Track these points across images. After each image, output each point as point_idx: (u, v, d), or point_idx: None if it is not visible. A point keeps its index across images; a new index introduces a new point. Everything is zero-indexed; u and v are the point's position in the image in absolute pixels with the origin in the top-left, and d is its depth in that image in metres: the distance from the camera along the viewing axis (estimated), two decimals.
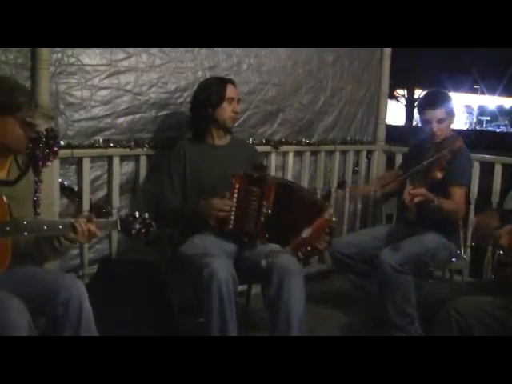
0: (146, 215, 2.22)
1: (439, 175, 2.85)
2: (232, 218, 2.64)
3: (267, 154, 3.63)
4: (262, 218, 2.63)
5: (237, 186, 2.65)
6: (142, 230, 2.20)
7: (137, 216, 2.20)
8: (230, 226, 2.64)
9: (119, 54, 2.96)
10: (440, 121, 3.00)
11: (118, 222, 2.18)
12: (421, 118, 3.11)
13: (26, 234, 2.04)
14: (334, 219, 2.70)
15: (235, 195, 2.65)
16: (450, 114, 3.05)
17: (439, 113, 2.99)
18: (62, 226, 2.08)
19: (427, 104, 3.05)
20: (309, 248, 2.63)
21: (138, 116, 3.08)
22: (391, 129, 5.46)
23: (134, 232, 2.19)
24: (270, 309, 2.59)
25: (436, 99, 3.06)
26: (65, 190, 2.87)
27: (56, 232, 2.08)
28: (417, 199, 2.68)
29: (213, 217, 2.63)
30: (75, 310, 2.05)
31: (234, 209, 2.64)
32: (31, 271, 2.20)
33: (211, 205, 2.63)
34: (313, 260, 4.04)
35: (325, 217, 2.65)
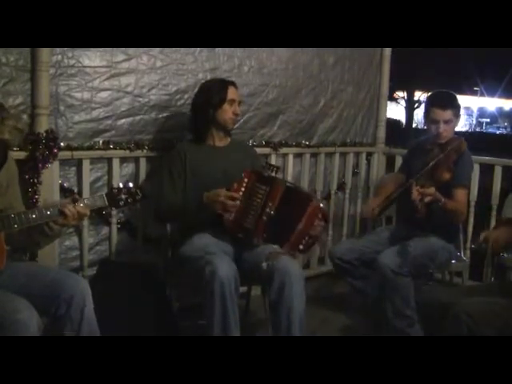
0: (131, 185, 2.25)
1: (447, 176, 2.86)
2: (234, 211, 2.63)
3: (267, 156, 3.63)
4: (265, 218, 2.64)
5: (245, 180, 2.66)
6: (129, 200, 2.22)
7: (121, 186, 2.22)
8: (231, 218, 2.64)
9: (119, 55, 2.96)
10: (447, 122, 3.02)
11: (104, 196, 2.18)
12: (427, 117, 3.11)
13: (15, 226, 2.04)
14: (321, 205, 2.75)
15: (242, 189, 2.65)
16: (457, 116, 3.09)
17: (447, 113, 3.02)
18: (49, 211, 2.07)
19: (437, 104, 3.06)
20: (306, 238, 2.67)
21: (138, 118, 3.08)
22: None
23: (121, 203, 2.21)
24: (271, 311, 2.59)
25: (446, 100, 3.09)
26: (65, 192, 2.86)
27: (45, 219, 2.07)
28: (427, 199, 2.68)
29: (217, 204, 2.62)
30: (78, 308, 2.05)
31: (238, 202, 2.63)
32: (35, 270, 2.20)
33: (216, 195, 2.62)
34: (313, 262, 4.05)
35: (313, 204, 2.68)
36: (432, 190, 2.74)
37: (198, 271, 2.51)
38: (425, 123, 3.23)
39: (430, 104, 3.11)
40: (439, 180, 2.86)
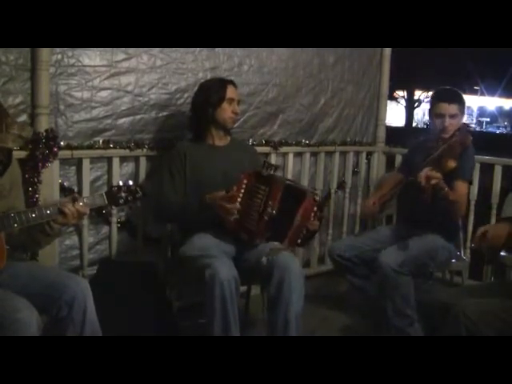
0: (130, 182, 2.25)
1: (453, 164, 2.85)
2: (235, 213, 2.64)
3: (267, 155, 3.62)
4: (266, 218, 2.65)
5: (245, 181, 2.66)
6: (129, 198, 2.22)
7: (121, 185, 2.22)
8: (232, 220, 2.64)
9: (119, 54, 2.96)
10: (452, 116, 3.03)
11: (104, 195, 2.18)
12: (432, 111, 3.12)
13: (15, 226, 2.03)
14: (316, 198, 2.74)
15: (242, 190, 2.65)
16: (462, 113, 3.11)
17: (453, 108, 3.03)
18: (49, 211, 2.07)
19: (443, 98, 3.08)
20: (304, 231, 2.69)
21: (138, 117, 3.08)
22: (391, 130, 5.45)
23: (121, 201, 2.21)
24: (270, 307, 2.60)
25: (452, 94, 3.12)
26: (65, 191, 2.86)
27: (45, 218, 2.07)
28: (433, 181, 2.68)
29: (216, 207, 2.62)
30: (80, 310, 2.06)
31: (238, 204, 2.64)
32: (36, 270, 2.21)
33: (216, 197, 2.62)
34: (313, 261, 4.05)
35: (308, 198, 2.68)
36: (439, 174, 2.73)
37: (198, 271, 2.51)
38: (429, 119, 3.23)
39: (437, 98, 3.13)
40: (445, 168, 2.85)
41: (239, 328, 2.50)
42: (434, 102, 3.14)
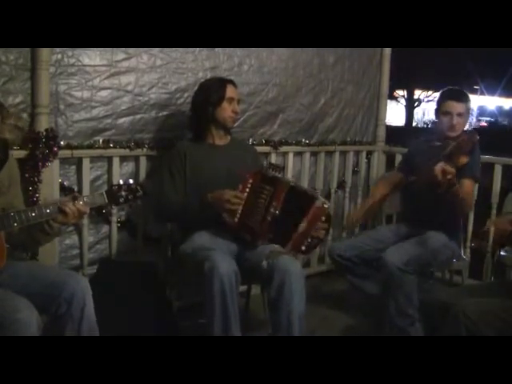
0: (131, 181, 2.25)
1: (464, 160, 2.86)
2: (239, 212, 2.64)
3: (267, 155, 3.62)
4: (269, 218, 2.63)
5: (250, 181, 2.65)
6: (129, 197, 2.22)
7: (121, 183, 2.22)
8: (236, 220, 2.64)
9: (120, 54, 2.96)
10: (460, 115, 3.06)
11: (104, 194, 2.17)
12: (440, 110, 3.12)
13: (15, 225, 2.03)
14: (325, 205, 2.67)
15: (247, 190, 2.65)
16: (468, 112, 3.14)
17: (461, 107, 3.06)
18: (49, 210, 2.07)
19: (452, 96, 3.10)
20: (309, 240, 2.65)
21: (138, 116, 3.08)
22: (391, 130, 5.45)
23: (121, 200, 2.20)
24: (271, 309, 2.59)
25: (460, 93, 3.14)
26: (65, 191, 2.86)
27: (44, 217, 2.07)
28: (449, 176, 2.68)
29: (221, 207, 2.62)
30: (78, 307, 2.06)
31: (242, 203, 2.63)
32: (36, 270, 2.21)
33: (221, 195, 2.62)
34: (313, 260, 4.05)
35: (317, 205, 2.64)
36: (453, 170, 2.73)
37: (197, 268, 2.51)
38: (436, 118, 3.23)
39: (445, 97, 3.14)
40: (457, 164, 2.85)
41: (239, 327, 2.50)
42: (442, 100, 3.14)
